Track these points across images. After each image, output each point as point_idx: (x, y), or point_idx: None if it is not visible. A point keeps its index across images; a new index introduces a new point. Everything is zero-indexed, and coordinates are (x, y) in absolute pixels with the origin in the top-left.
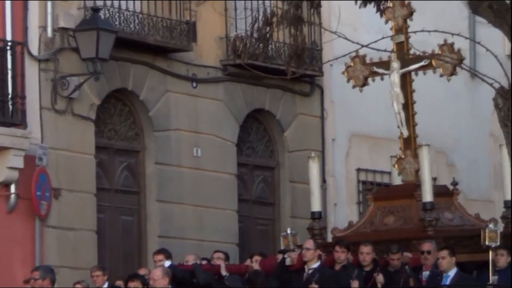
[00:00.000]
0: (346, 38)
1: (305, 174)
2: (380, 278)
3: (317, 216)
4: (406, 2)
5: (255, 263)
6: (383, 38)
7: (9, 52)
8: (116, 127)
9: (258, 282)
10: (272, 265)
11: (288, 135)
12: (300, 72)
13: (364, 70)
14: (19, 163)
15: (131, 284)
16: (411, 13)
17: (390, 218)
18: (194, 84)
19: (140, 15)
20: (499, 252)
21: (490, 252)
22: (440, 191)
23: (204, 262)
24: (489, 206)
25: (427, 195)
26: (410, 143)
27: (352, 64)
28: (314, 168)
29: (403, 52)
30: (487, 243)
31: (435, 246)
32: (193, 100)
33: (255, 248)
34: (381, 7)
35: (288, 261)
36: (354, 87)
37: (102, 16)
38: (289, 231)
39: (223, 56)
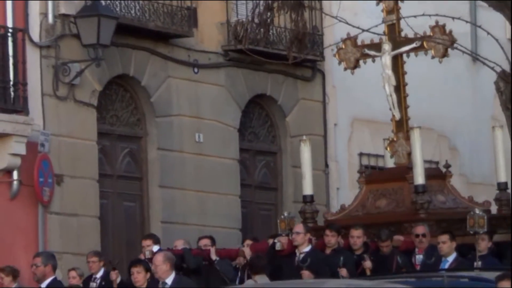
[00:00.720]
0: (346, 23)
1: None
2: (367, 263)
3: (309, 200)
4: None
5: (246, 247)
6: (383, 22)
7: (10, 39)
8: (118, 113)
9: (261, 266)
10: (263, 250)
11: (290, 120)
12: (302, 57)
13: (355, 52)
14: (21, 149)
15: (134, 269)
16: None
17: (382, 201)
18: (196, 70)
19: (140, 1)
20: (480, 236)
21: (478, 238)
22: (433, 174)
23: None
24: (492, 189)
25: (419, 178)
26: (402, 126)
27: (343, 46)
28: (305, 152)
29: (394, 34)
30: (476, 229)
31: (428, 229)
32: (194, 85)
33: (258, 234)
34: None
35: (278, 246)
36: (345, 69)
37: (103, 2)
38: (286, 214)
39: (224, 41)
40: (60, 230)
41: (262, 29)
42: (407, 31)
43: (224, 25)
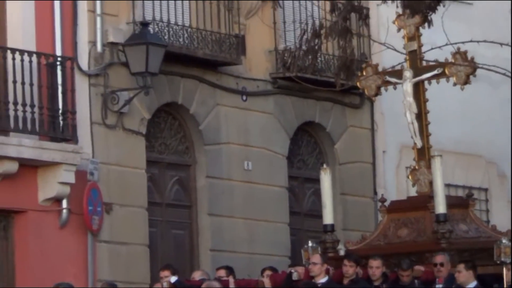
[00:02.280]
0: (394, 49)
1: (356, 186)
2: None
3: (329, 229)
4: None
5: (266, 277)
6: (431, 49)
7: (59, 68)
8: (166, 141)
9: None
10: (283, 281)
11: (338, 147)
12: (350, 84)
13: (376, 79)
14: (71, 178)
15: None
16: (423, 21)
17: (403, 230)
18: (244, 97)
19: (189, 29)
20: (507, 266)
21: (504, 268)
22: (455, 203)
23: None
24: None
25: (440, 207)
26: (424, 154)
27: (364, 73)
28: (326, 181)
29: (415, 61)
30: (502, 258)
31: (448, 259)
32: (243, 113)
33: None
34: (429, 18)
35: (295, 276)
36: (367, 97)
37: (151, 31)
38: (310, 244)
39: (272, 69)
40: (109, 259)
41: (310, 56)
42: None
43: (272, 53)
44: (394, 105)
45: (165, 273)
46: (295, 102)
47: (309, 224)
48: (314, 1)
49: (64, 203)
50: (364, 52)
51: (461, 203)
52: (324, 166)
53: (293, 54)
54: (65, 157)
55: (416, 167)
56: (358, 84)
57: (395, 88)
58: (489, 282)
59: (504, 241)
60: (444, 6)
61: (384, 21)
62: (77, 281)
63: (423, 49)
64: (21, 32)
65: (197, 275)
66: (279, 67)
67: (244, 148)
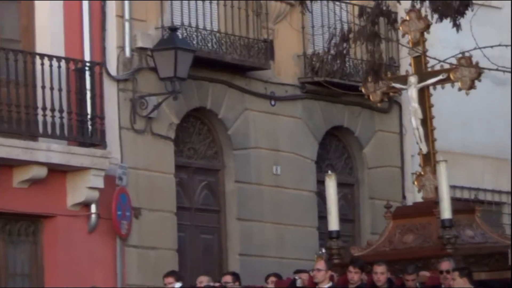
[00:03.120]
0: (423, 54)
1: (385, 191)
2: None
3: (335, 235)
4: (423, 15)
5: (270, 284)
6: (460, 53)
7: (87, 73)
8: (195, 146)
9: None
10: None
11: (367, 151)
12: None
13: (381, 86)
14: (99, 183)
15: None
16: (427, 26)
17: (409, 236)
18: (273, 102)
19: (217, 34)
20: None
21: None
22: (462, 208)
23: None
24: None
25: (446, 212)
26: (429, 160)
27: (369, 80)
28: (331, 187)
29: (420, 67)
30: None
31: (454, 265)
32: (271, 118)
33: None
34: (458, 22)
35: (299, 283)
36: (372, 103)
37: (180, 36)
38: (324, 251)
39: (300, 73)
40: (138, 263)
41: (338, 61)
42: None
43: (301, 57)
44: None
45: (169, 279)
46: (323, 106)
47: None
48: (343, 6)
49: (93, 208)
50: (393, 57)
51: (467, 208)
52: (329, 172)
53: (321, 59)
54: (94, 162)
55: (422, 173)
56: (363, 90)
57: (400, 94)
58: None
59: None
60: (472, 10)
61: None
62: (106, 285)
63: (452, 53)
64: (50, 37)
65: (203, 280)
66: (308, 71)
67: (272, 152)
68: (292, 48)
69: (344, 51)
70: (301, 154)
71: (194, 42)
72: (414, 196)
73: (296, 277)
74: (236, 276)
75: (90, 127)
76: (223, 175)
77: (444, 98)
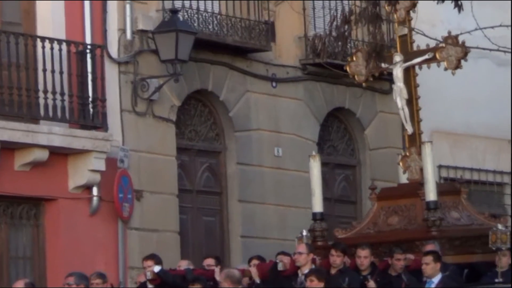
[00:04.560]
0: (424, 35)
1: (387, 172)
2: (371, 284)
3: (319, 217)
4: None
5: (253, 267)
6: (461, 34)
7: (88, 55)
8: (196, 128)
9: None
10: (268, 270)
11: (368, 133)
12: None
13: (366, 65)
14: (101, 165)
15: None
16: (414, 5)
17: (394, 218)
18: (274, 84)
19: (218, 16)
20: (502, 252)
21: (499, 254)
22: (447, 190)
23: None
24: None
25: (431, 194)
26: (415, 140)
27: (354, 59)
28: (314, 168)
29: (406, 46)
30: (498, 245)
31: (439, 248)
32: (273, 100)
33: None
34: (459, 2)
35: (280, 266)
36: (357, 82)
37: (181, 18)
38: (304, 233)
39: (302, 55)
40: (140, 246)
41: (339, 42)
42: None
43: (302, 39)
44: (424, 90)
45: (148, 263)
46: (325, 88)
47: (340, 210)
48: None
49: (95, 191)
50: (394, 38)
51: (452, 190)
52: (313, 153)
53: (323, 41)
54: (95, 144)
55: (407, 154)
56: (348, 69)
57: (385, 73)
58: (481, 270)
59: (500, 227)
60: None
61: None
62: (108, 268)
63: (453, 34)
64: (51, 20)
65: (183, 264)
66: (309, 53)
67: (274, 134)
68: (293, 29)
69: (346, 33)
70: (302, 135)
71: (195, 24)
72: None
73: (277, 261)
74: (218, 260)
75: (91, 109)
76: (224, 157)
77: (447, 79)
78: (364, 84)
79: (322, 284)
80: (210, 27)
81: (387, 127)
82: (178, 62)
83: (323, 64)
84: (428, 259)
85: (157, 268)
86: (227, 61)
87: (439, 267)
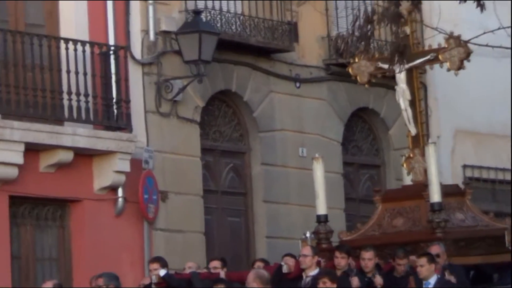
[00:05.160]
0: (447, 34)
1: None
2: (378, 279)
3: (323, 220)
4: None
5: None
6: (484, 33)
7: (112, 57)
8: (221, 129)
9: None
10: (273, 273)
11: (393, 133)
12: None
13: (369, 66)
14: (126, 167)
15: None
16: (416, 6)
17: (399, 220)
18: (298, 84)
19: (241, 17)
20: None
21: None
22: (451, 191)
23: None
24: None
25: (435, 195)
26: (418, 141)
27: (356, 60)
28: (318, 170)
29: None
30: None
31: (444, 249)
32: (297, 100)
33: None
34: (481, 2)
35: (285, 269)
36: (359, 83)
37: (204, 19)
38: (308, 235)
39: (325, 55)
40: (165, 247)
41: (362, 42)
42: None
43: (325, 39)
44: (448, 90)
45: (154, 265)
46: (348, 88)
47: (365, 210)
48: None
49: (120, 192)
50: (417, 37)
51: (457, 191)
52: (317, 155)
53: (345, 41)
54: (120, 145)
55: (411, 155)
56: (350, 70)
57: (387, 75)
58: (488, 272)
59: None
60: None
61: (436, 6)
62: (134, 269)
63: (476, 33)
64: (74, 22)
65: (192, 266)
66: (332, 53)
67: (298, 134)
68: (316, 30)
69: (369, 33)
70: (326, 136)
71: (218, 25)
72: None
73: (282, 263)
74: (224, 262)
75: (115, 111)
76: (249, 158)
77: (469, 79)
78: (366, 86)
79: (334, 285)
80: (233, 27)
81: None
82: (201, 63)
83: (346, 64)
84: (423, 261)
85: (162, 272)
86: (250, 61)
87: (433, 268)
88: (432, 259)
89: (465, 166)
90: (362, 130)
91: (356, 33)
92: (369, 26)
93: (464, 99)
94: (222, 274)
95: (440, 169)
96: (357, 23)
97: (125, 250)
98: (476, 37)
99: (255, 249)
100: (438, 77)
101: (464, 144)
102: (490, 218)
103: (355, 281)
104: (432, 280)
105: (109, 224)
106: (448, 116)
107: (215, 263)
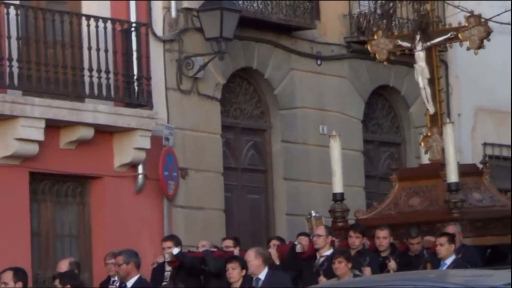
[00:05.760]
0: (469, 12)
1: None
2: (392, 264)
3: (339, 198)
4: None
5: (272, 247)
6: (505, 11)
7: (133, 34)
8: (241, 106)
9: None
10: (287, 252)
11: (413, 111)
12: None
13: (388, 44)
14: (146, 143)
15: (229, 265)
16: None
17: (415, 199)
18: (319, 62)
19: None
20: None
21: None
22: (469, 170)
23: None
24: None
25: (452, 175)
26: (436, 120)
27: (375, 37)
28: (335, 148)
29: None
30: None
31: (460, 229)
32: (317, 77)
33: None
34: None
35: (298, 248)
36: (377, 61)
37: None
38: (313, 214)
39: (346, 33)
40: (185, 223)
41: (384, 20)
42: None
43: (347, 17)
44: (469, 68)
45: (168, 243)
46: (369, 66)
47: (385, 188)
48: None
49: (140, 169)
50: (439, 15)
51: (474, 171)
52: (334, 133)
53: (367, 18)
54: (141, 122)
55: (429, 134)
56: (369, 48)
57: (406, 53)
58: (504, 253)
59: None
60: None
61: None
62: (153, 246)
63: (499, 11)
64: None
65: (205, 245)
66: (354, 31)
67: (319, 112)
68: (337, 7)
69: (391, 11)
70: (347, 113)
71: (240, 2)
72: (461, 154)
73: (296, 242)
74: (237, 241)
75: (136, 88)
76: (269, 135)
77: (490, 57)
78: (385, 63)
79: (350, 265)
80: (255, 5)
81: None
82: (222, 40)
83: (367, 42)
84: (443, 240)
85: (176, 250)
86: (271, 39)
87: (453, 249)
88: (452, 239)
89: (485, 144)
90: (382, 108)
91: (378, 11)
92: (391, 4)
93: (485, 77)
94: (236, 251)
95: (460, 147)
96: (379, 1)
97: (145, 227)
98: (498, 15)
99: (274, 226)
100: (460, 55)
101: (484, 122)
102: (508, 198)
103: (367, 271)
104: (449, 260)
105: (129, 201)
106: (469, 94)
107: (228, 242)
